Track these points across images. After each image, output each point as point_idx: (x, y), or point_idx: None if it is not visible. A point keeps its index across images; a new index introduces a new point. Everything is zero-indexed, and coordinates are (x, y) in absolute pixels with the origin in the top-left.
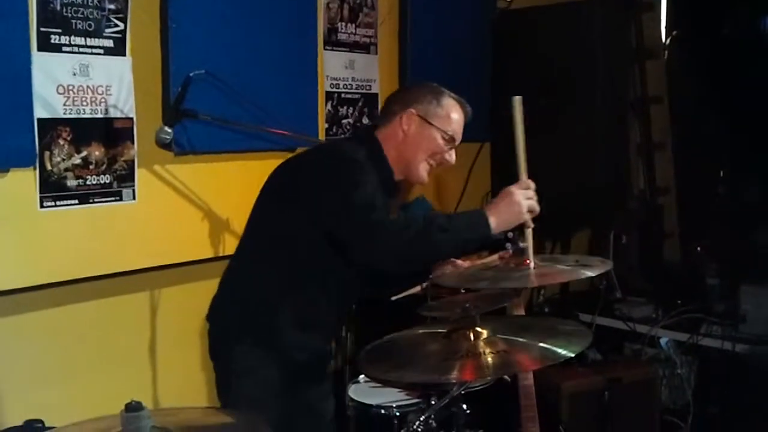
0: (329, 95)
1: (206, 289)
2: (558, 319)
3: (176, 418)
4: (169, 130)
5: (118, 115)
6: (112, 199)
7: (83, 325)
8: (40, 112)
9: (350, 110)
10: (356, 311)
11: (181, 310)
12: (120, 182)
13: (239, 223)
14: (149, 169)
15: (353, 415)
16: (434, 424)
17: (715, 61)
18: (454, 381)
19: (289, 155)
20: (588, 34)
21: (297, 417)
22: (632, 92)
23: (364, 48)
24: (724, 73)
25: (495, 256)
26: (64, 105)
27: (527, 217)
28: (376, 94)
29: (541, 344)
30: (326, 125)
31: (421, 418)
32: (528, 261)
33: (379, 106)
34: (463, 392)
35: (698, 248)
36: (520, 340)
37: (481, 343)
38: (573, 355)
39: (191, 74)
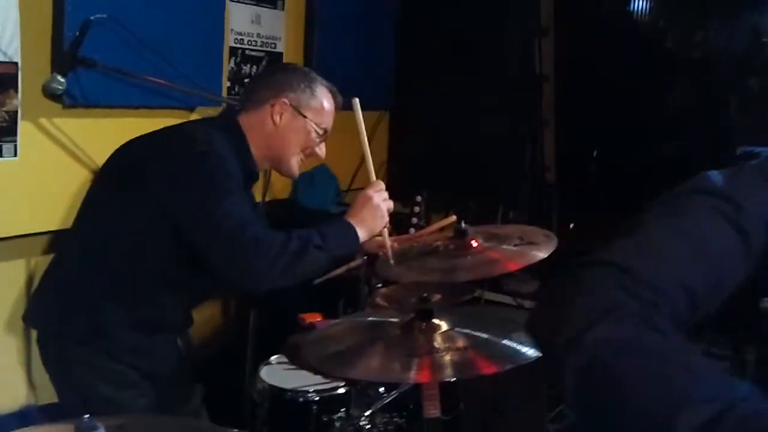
0: (233, 51)
1: None
2: (512, 310)
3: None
4: (62, 80)
5: (1, 58)
6: None
7: None
8: None
9: (254, 69)
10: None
11: None
12: (2, 136)
13: None
14: (34, 123)
15: (266, 399)
16: (358, 412)
17: (594, 42)
18: (410, 381)
19: (190, 114)
20: (497, 5)
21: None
22: (535, 68)
23: (271, 2)
24: (601, 54)
25: (419, 233)
26: None
27: (387, 219)
28: (281, 53)
29: (506, 342)
30: (228, 83)
31: (366, 414)
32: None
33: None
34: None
35: (571, 226)
36: (483, 336)
37: (438, 339)
38: (540, 354)
39: (91, 18)
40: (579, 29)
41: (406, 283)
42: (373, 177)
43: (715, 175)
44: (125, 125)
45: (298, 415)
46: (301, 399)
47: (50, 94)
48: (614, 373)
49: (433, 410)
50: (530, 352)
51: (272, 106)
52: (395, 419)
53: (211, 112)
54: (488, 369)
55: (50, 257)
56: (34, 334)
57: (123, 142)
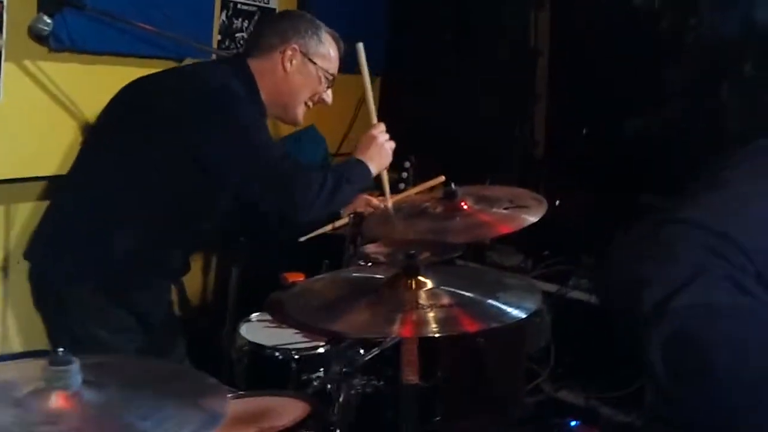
0: (225, 4)
1: None
2: (502, 272)
3: (105, 370)
4: (48, 21)
5: None
6: None
7: None
8: None
9: (245, 24)
10: (244, 245)
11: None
12: None
13: None
14: (18, 64)
15: (245, 355)
16: (339, 369)
17: (590, 19)
18: (394, 335)
19: (177, 64)
20: None
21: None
22: (530, 42)
23: None
24: (597, 31)
25: (408, 193)
26: None
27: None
28: (273, 9)
29: (490, 301)
30: (219, 37)
31: (343, 370)
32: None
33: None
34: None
35: (557, 202)
36: (467, 294)
37: (423, 295)
38: (524, 316)
39: None
40: (576, 5)
41: (392, 242)
42: (375, 120)
43: None
44: (112, 73)
45: (277, 373)
46: (280, 356)
47: (36, 35)
48: (710, 340)
49: (411, 376)
50: (514, 312)
51: (282, 52)
52: (373, 382)
53: None
54: (471, 326)
55: (31, 204)
56: (13, 282)
57: (110, 89)
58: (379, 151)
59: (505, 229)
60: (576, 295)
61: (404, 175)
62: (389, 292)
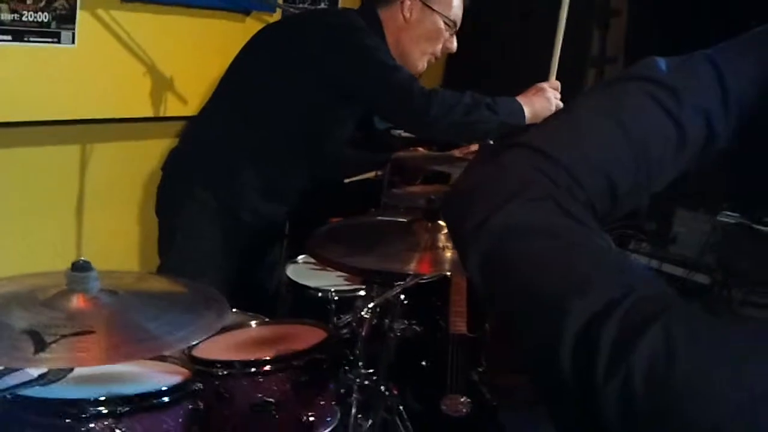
0: None
1: (142, 150)
2: None
3: (122, 281)
4: None
5: None
6: (50, 40)
7: (7, 172)
8: None
9: None
10: None
11: (113, 168)
12: (59, 23)
13: (183, 84)
14: (92, 13)
15: (289, 295)
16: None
17: None
18: (410, 273)
19: (245, 18)
20: None
21: (235, 287)
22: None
23: None
24: None
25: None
26: None
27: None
28: None
29: None
30: None
31: (369, 305)
32: None
33: None
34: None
35: None
36: None
37: (441, 237)
38: None
39: None
40: None
41: (417, 189)
42: (553, 78)
43: (661, 62)
44: (181, 24)
45: (316, 311)
46: (320, 296)
47: None
48: (515, 258)
49: (459, 326)
50: None
51: (402, 2)
52: (414, 326)
53: (266, 17)
54: None
55: (105, 145)
56: (90, 215)
57: (178, 40)
58: (542, 100)
59: None
60: (636, 258)
61: None
62: (410, 233)
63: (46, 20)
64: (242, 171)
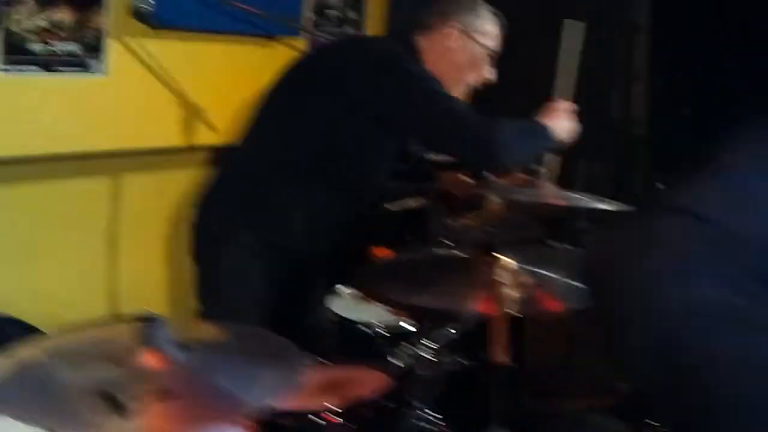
0: None
1: (171, 180)
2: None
3: (188, 332)
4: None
5: None
6: (80, 69)
7: (39, 206)
8: None
9: (336, 1)
10: None
11: (143, 200)
12: (89, 52)
13: (212, 111)
14: (122, 42)
15: (335, 330)
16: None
17: None
18: (473, 313)
19: (269, 42)
20: None
21: (279, 325)
22: (622, 15)
23: None
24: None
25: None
26: None
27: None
28: None
29: (571, 282)
30: (311, 14)
31: (430, 345)
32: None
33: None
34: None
35: (657, 184)
36: (549, 274)
37: (502, 273)
38: None
39: None
40: None
41: (473, 220)
42: (564, 97)
43: None
44: (211, 50)
45: (363, 347)
46: (368, 332)
47: (139, 13)
48: (687, 341)
49: (501, 355)
50: None
51: (443, 30)
52: (461, 360)
53: (295, 42)
54: (554, 306)
55: (135, 176)
56: (121, 249)
57: (209, 67)
58: (561, 121)
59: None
60: None
61: None
62: (472, 269)
63: (76, 50)
64: (286, 205)
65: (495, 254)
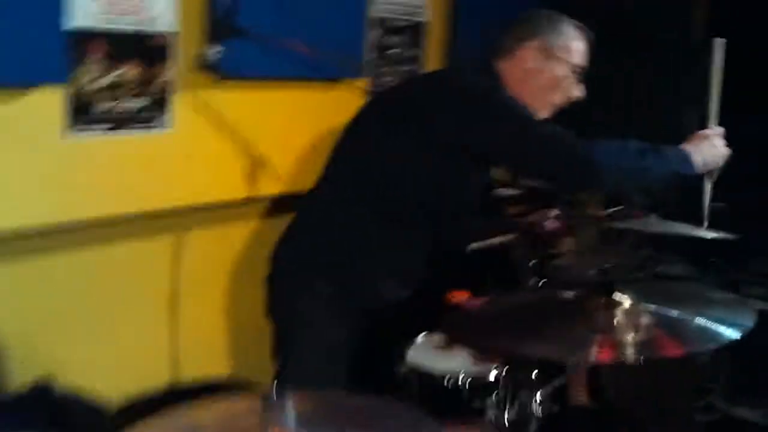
0: (379, 21)
1: (235, 233)
2: (705, 287)
3: (305, 406)
4: (219, 50)
5: (159, 28)
6: (147, 125)
7: (106, 269)
8: (70, 21)
9: (397, 39)
10: None
11: (207, 256)
12: (156, 107)
13: (280, 160)
14: (188, 94)
15: (414, 381)
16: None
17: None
18: (587, 362)
19: (333, 85)
20: None
21: (358, 378)
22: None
23: None
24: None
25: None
26: (98, 14)
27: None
28: (425, 23)
29: (698, 321)
30: (372, 54)
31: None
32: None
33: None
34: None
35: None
36: (671, 313)
37: (619, 315)
38: (737, 337)
39: None
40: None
41: (577, 258)
42: (713, 123)
43: None
44: (275, 98)
45: (448, 399)
46: (451, 382)
47: (206, 65)
48: None
49: (580, 397)
50: (725, 332)
51: (520, 53)
52: (551, 406)
53: (359, 84)
54: (675, 351)
55: (199, 232)
56: (184, 311)
57: (272, 115)
58: (712, 149)
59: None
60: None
61: None
62: (581, 311)
63: (143, 105)
64: (367, 253)
65: (608, 293)
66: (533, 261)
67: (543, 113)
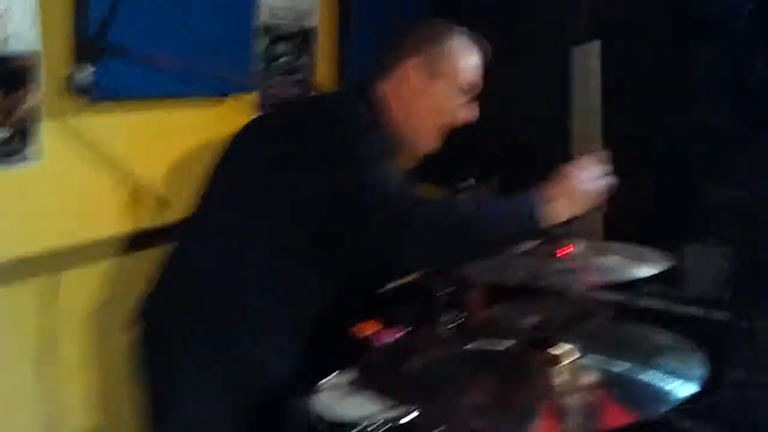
0: (266, 29)
1: (120, 271)
2: (645, 326)
3: None
4: (90, 70)
5: (18, 47)
6: (10, 159)
7: None
8: None
9: (287, 47)
10: None
11: (85, 298)
12: (20, 138)
13: (162, 189)
14: (58, 121)
15: None
16: None
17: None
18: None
19: (222, 103)
20: None
21: None
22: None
23: None
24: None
25: None
26: None
27: (600, 200)
28: (314, 28)
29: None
30: (261, 64)
31: None
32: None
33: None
34: None
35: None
36: (619, 367)
37: (565, 373)
38: (693, 392)
39: None
40: None
41: (510, 303)
42: (597, 143)
43: None
44: (154, 119)
45: None
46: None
47: (77, 87)
48: None
49: None
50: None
51: (403, 69)
52: None
53: (248, 98)
54: (620, 418)
55: (85, 270)
56: (61, 355)
57: (158, 138)
58: (578, 186)
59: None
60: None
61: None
62: (516, 369)
63: (4, 137)
64: (256, 305)
65: (548, 346)
66: (448, 290)
67: (430, 140)
